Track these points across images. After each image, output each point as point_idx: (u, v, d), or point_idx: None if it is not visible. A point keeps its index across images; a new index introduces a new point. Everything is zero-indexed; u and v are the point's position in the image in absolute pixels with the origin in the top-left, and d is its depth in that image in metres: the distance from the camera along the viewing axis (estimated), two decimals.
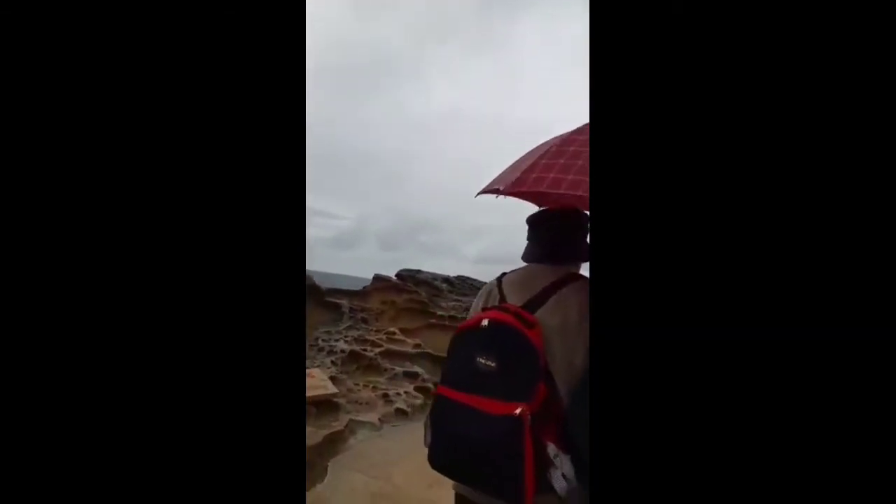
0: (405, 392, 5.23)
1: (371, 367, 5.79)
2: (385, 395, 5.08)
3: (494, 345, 0.81)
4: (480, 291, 1.12)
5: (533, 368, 0.77)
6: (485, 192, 1.09)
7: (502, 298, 0.99)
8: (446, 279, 10.18)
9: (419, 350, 6.55)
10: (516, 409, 0.73)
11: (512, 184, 0.97)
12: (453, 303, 9.05)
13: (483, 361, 0.80)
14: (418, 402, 5.13)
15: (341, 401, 4.70)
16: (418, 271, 10.02)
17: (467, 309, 8.61)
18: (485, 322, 0.84)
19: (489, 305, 1.02)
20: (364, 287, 9.09)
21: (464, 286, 10.14)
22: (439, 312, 7.92)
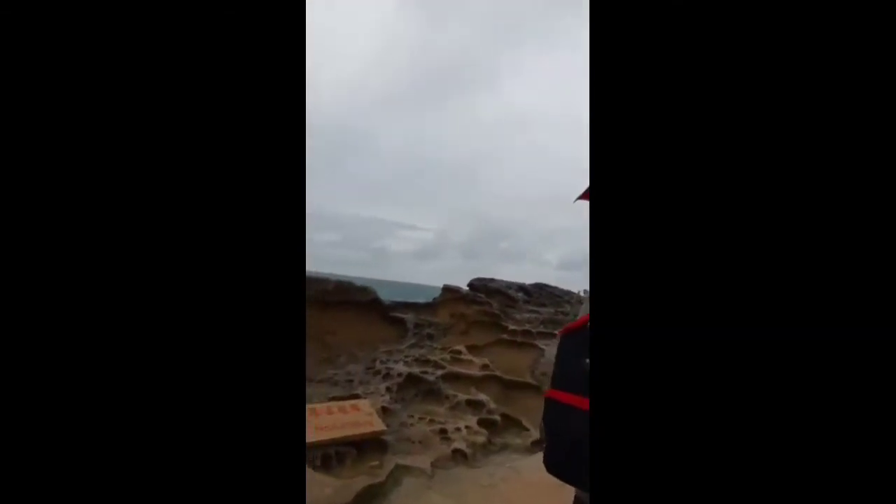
0: (466, 427, 4.56)
1: (431, 393, 5.21)
2: (442, 431, 4.46)
3: None
4: (587, 292, 1.01)
5: None
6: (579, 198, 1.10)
7: None
8: (521, 287, 9.35)
9: (486, 372, 5.85)
10: None
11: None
12: (528, 314, 8.21)
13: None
14: (480, 440, 4.43)
15: (389, 438, 4.17)
16: (491, 280, 9.31)
17: (544, 321, 7.74)
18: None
19: None
20: (434, 298, 8.60)
21: (541, 295, 9.24)
22: (511, 326, 7.13)
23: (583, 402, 0.79)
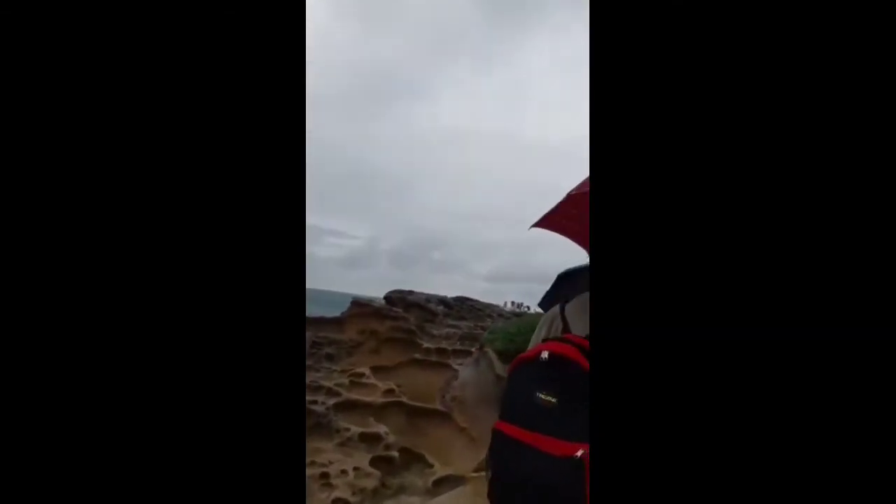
0: (354, 469, 3.75)
1: (318, 428, 4.34)
2: (324, 476, 3.61)
3: (554, 379, 0.78)
4: (542, 319, 1.09)
5: None
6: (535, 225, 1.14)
7: (566, 328, 0.98)
8: (442, 300, 8.70)
9: (391, 398, 5.07)
10: (578, 450, 0.68)
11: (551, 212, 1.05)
12: (448, 329, 7.56)
13: (542, 397, 0.77)
14: (371, 484, 3.64)
15: None
16: (410, 292, 8.60)
17: (463, 338, 7.08)
18: (544, 354, 0.81)
19: (551, 336, 0.99)
20: (342, 313, 7.71)
21: (462, 308, 8.64)
22: (425, 345, 6.43)
23: (532, 439, 0.74)
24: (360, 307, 7.37)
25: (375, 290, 8.20)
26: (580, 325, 0.93)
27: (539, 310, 1.46)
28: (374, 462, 3.90)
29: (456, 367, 5.84)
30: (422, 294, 8.65)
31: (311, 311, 8.09)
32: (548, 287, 1.30)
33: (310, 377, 5.25)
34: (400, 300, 8.19)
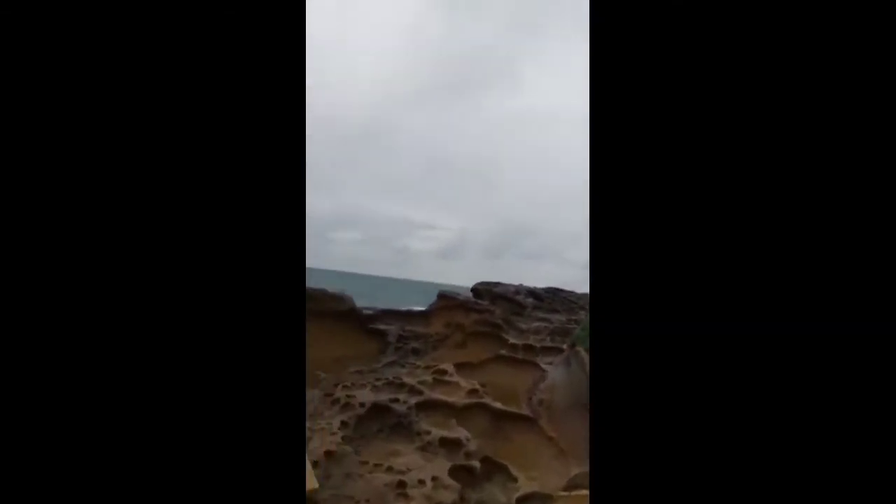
0: (433, 478, 3.55)
1: (398, 429, 4.24)
2: (401, 485, 3.46)
3: None
4: None
5: None
6: None
7: None
8: (532, 292, 8.24)
9: (474, 399, 4.81)
10: None
11: None
12: (538, 323, 7.11)
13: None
14: (449, 498, 3.42)
15: (325, 496, 3.21)
16: (497, 284, 8.26)
17: (554, 332, 6.55)
18: None
19: None
20: (430, 306, 7.63)
21: (554, 300, 8.10)
22: (511, 340, 6.06)
23: None
24: (447, 300, 7.21)
25: (468, 280, 8.10)
26: None
27: None
28: (454, 472, 3.67)
29: (544, 366, 5.42)
30: (510, 285, 8.27)
31: (408, 302, 8.21)
32: None
33: (393, 373, 5.19)
34: (486, 292, 7.91)
